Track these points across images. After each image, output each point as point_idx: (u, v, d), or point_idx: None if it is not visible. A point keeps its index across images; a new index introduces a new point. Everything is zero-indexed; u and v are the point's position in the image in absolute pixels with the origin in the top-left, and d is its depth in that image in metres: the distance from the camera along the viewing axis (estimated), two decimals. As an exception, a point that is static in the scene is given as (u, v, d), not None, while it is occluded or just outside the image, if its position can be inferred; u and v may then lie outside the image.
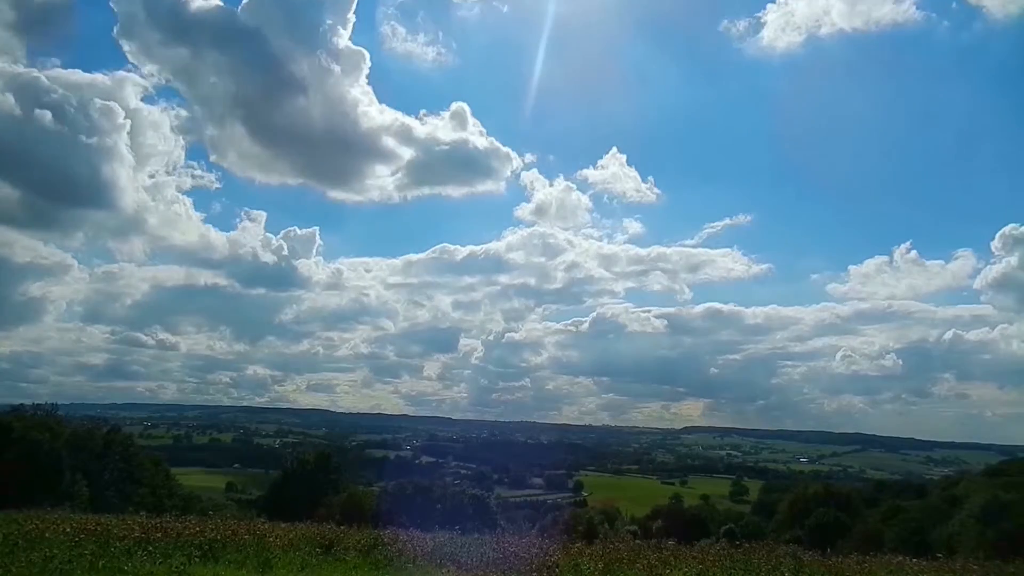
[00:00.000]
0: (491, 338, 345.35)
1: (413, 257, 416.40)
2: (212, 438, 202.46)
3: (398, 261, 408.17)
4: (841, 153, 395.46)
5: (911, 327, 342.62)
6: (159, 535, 13.99)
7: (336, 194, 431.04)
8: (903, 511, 50.44)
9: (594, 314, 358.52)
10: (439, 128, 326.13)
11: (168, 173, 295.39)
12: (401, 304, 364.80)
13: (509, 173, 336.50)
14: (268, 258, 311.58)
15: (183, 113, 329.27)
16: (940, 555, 17.77)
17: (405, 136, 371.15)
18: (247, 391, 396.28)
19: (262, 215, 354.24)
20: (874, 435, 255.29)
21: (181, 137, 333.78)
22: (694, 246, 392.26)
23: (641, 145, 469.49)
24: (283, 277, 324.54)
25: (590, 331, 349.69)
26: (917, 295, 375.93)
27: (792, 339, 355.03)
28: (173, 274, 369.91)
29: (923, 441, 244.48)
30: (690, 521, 55.35)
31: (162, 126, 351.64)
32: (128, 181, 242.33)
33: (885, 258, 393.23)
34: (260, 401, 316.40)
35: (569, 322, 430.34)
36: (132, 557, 12.17)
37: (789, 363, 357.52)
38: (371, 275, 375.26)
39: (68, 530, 13.85)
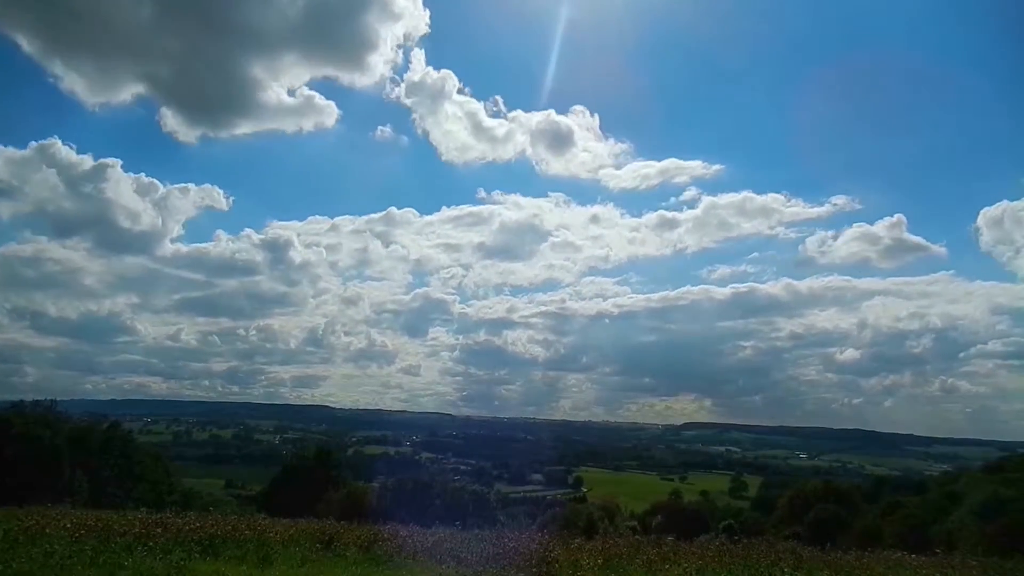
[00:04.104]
0: (476, 326, 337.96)
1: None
2: (212, 434, 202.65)
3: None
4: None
5: (914, 312, 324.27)
6: (159, 531, 13.99)
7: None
8: (902, 507, 50.49)
9: (585, 301, 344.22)
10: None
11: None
12: (349, 281, 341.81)
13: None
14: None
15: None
16: (939, 551, 17.77)
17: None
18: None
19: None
20: (873, 431, 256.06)
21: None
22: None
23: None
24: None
25: (583, 322, 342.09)
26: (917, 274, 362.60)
27: (796, 328, 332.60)
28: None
29: (922, 437, 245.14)
30: (690, 517, 55.35)
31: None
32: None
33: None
34: (260, 397, 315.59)
35: (556, 308, 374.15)
36: (132, 553, 12.18)
37: (793, 356, 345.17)
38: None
39: (68, 526, 13.87)
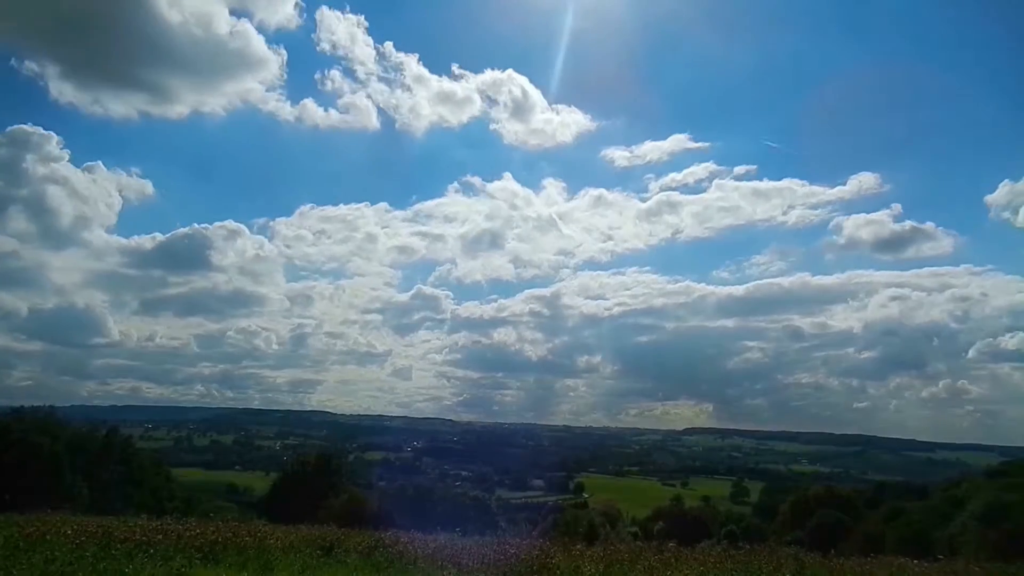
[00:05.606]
0: (469, 325, 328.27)
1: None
2: (213, 440, 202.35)
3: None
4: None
5: (923, 309, 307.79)
6: (160, 537, 13.98)
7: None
8: (905, 512, 50.33)
9: (582, 299, 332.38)
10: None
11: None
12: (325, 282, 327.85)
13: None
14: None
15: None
16: (942, 556, 17.76)
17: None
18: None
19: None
20: (875, 436, 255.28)
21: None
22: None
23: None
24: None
25: (580, 322, 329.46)
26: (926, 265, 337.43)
27: (801, 329, 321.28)
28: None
29: (924, 442, 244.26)
30: (691, 523, 55.28)
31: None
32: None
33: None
34: (260, 403, 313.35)
35: (551, 309, 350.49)
36: (133, 559, 12.17)
37: (797, 358, 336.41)
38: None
39: (69, 532, 13.86)
